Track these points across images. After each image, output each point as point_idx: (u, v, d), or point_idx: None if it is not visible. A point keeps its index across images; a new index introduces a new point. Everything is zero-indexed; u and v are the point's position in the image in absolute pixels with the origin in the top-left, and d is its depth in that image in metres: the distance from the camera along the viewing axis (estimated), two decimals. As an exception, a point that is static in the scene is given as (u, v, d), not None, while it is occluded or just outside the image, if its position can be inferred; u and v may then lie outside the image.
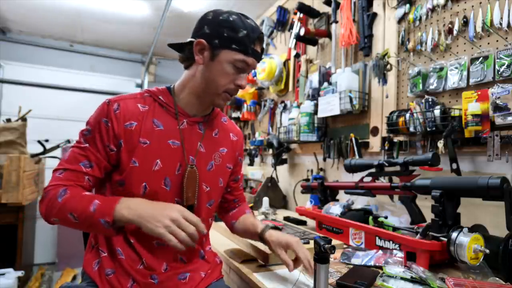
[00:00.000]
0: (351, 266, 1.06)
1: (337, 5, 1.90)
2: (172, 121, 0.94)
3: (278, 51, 2.71)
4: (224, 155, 1.03)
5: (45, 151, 2.90)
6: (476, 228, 1.08)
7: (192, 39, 0.91)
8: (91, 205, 0.78)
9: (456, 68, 1.28)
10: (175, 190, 0.92)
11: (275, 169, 2.41)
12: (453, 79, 1.29)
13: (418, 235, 1.07)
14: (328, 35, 2.05)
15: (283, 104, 2.49)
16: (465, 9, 1.30)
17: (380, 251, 1.12)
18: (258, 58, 0.92)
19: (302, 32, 2.05)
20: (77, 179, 0.85)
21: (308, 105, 2.02)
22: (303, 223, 1.74)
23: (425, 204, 1.22)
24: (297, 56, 2.37)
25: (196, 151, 0.96)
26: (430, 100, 1.34)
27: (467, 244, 0.91)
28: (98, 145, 0.87)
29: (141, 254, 0.90)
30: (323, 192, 1.68)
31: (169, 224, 0.75)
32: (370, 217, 1.32)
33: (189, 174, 0.93)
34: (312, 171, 2.17)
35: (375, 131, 1.67)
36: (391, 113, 1.52)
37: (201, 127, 0.99)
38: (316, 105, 1.99)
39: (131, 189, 0.89)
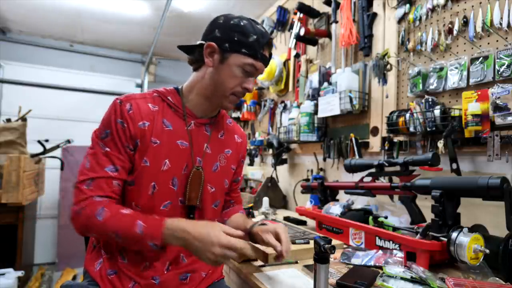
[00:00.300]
0: (351, 266, 1.06)
1: (337, 5, 1.90)
2: (180, 122, 0.95)
3: (278, 51, 2.71)
4: (228, 156, 1.04)
5: (45, 151, 2.90)
6: (476, 228, 1.08)
7: (203, 42, 0.92)
8: (136, 227, 0.78)
9: (456, 68, 1.28)
10: (181, 190, 0.93)
11: (275, 169, 2.41)
12: (453, 79, 1.29)
13: (418, 235, 1.07)
14: (328, 35, 2.05)
15: (283, 104, 2.49)
16: (465, 9, 1.30)
17: (380, 251, 1.12)
18: (266, 63, 0.95)
19: (302, 32, 2.05)
20: (107, 186, 0.84)
21: (308, 105, 2.02)
22: (303, 223, 1.74)
23: (425, 204, 1.22)
24: (297, 56, 2.37)
25: (203, 152, 0.97)
26: (430, 100, 1.34)
27: (467, 244, 0.91)
28: (119, 147, 0.86)
29: (146, 255, 0.90)
30: (323, 192, 1.68)
31: (216, 259, 0.77)
32: (370, 217, 1.32)
33: (194, 175, 0.94)
34: (312, 171, 2.17)
35: (375, 131, 1.67)
36: (391, 113, 1.52)
37: (207, 129, 1.00)
38: (316, 105, 1.99)
39: (140, 189, 0.89)
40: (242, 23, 0.88)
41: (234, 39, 0.88)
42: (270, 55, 0.96)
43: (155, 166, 0.89)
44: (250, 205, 2.10)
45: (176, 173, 0.92)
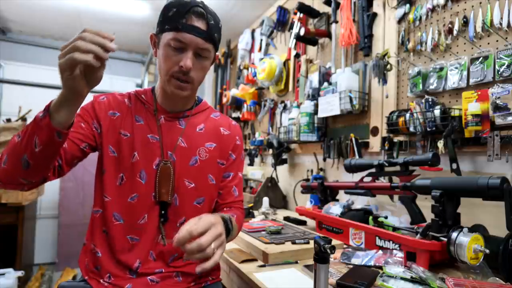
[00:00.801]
0: (351, 266, 1.06)
1: (337, 5, 1.90)
2: (152, 117, 0.97)
3: (278, 51, 2.71)
4: (212, 150, 1.01)
5: (45, 151, 2.89)
6: (476, 228, 1.08)
7: None
8: (25, 128, 0.75)
9: (456, 68, 1.28)
10: (151, 184, 0.93)
11: (275, 169, 2.41)
12: (453, 79, 1.29)
13: (418, 235, 1.07)
14: (328, 35, 2.05)
15: (283, 104, 2.49)
16: (465, 9, 1.30)
17: (380, 251, 1.12)
18: (197, 33, 0.85)
19: (302, 32, 2.05)
20: None
21: (308, 105, 2.02)
22: (303, 223, 1.74)
23: (425, 204, 1.22)
24: (297, 56, 2.37)
25: (175, 146, 0.96)
26: (430, 100, 1.34)
27: (467, 244, 0.91)
28: (85, 118, 0.91)
29: (137, 260, 0.91)
30: (323, 192, 1.67)
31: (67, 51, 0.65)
32: (370, 217, 1.32)
33: (162, 169, 0.93)
34: (312, 171, 2.17)
35: (375, 131, 1.67)
36: (391, 113, 1.52)
37: (181, 123, 0.99)
38: (316, 105, 1.99)
39: (109, 179, 0.92)
40: (168, 2, 0.88)
41: (160, 20, 0.89)
42: (207, 24, 0.87)
43: (124, 157, 0.92)
44: (250, 205, 2.10)
45: (145, 166, 0.93)
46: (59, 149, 0.77)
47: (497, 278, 0.89)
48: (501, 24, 1.17)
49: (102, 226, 0.93)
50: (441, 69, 1.34)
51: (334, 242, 1.24)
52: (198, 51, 0.88)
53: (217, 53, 0.98)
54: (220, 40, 0.96)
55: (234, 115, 3.21)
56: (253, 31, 3.08)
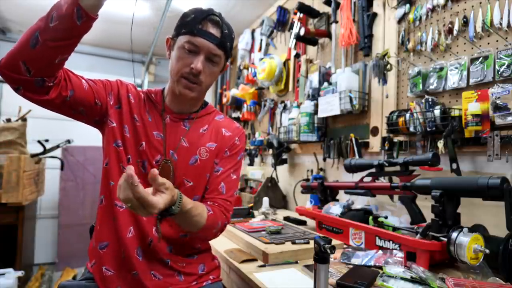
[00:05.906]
0: (351, 266, 1.06)
1: (337, 5, 1.90)
2: (159, 116, 1.00)
3: (278, 51, 2.71)
4: (213, 150, 1.02)
5: (45, 151, 2.90)
6: (476, 228, 1.08)
7: None
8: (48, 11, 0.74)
9: (456, 68, 1.28)
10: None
11: (275, 169, 2.41)
12: (453, 79, 1.29)
13: (418, 235, 1.07)
14: (328, 35, 2.05)
15: (283, 104, 2.49)
16: (465, 9, 1.30)
17: (380, 251, 1.12)
18: (210, 39, 0.91)
19: (302, 32, 2.05)
20: (68, 72, 0.85)
21: (308, 105, 2.02)
22: (303, 223, 1.74)
23: (425, 204, 1.22)
24: (297, 56, 2.37)
25: (177, 146, 0.98)
26: (430, 100, 1.34)
27: (467, 244, 0.91)
28: (106, 87, 0.96)
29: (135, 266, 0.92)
30: (323, 192, 1.68)
31: None
32: (370, 217, 1.32)
33: (163, 167, 0.96)
34: (312, 171, 2.17)
35: (375, 131, 1.67)
36: (391, 113, 1.52)
37: (186, 124, 1.01)
38: (316, 105, 1.99)
39: (124, 153, 0.95)
40: (187, 10, 0.93)
41: (177, 25, 0.94)
42: (221, 32, 0.92)
43: (133, 141, 0.95)
44: (250, 205, 2.10)
45: (147, 157, 0.95)
46: (72, 39, 0.74)
47: (497, 278, 0.89)
48: (501, 24, 1.17)
49: (112, 200, 0.94)
50: (441, 69, 1.34)
51: (334, 242, 1.24)
52: (210, 56, 0.93)
53: (227, 63, 1.02)
54: (232, 49, 1.00)
55: (234, 115, 3.21)
56: (253, 31, 3.08)
